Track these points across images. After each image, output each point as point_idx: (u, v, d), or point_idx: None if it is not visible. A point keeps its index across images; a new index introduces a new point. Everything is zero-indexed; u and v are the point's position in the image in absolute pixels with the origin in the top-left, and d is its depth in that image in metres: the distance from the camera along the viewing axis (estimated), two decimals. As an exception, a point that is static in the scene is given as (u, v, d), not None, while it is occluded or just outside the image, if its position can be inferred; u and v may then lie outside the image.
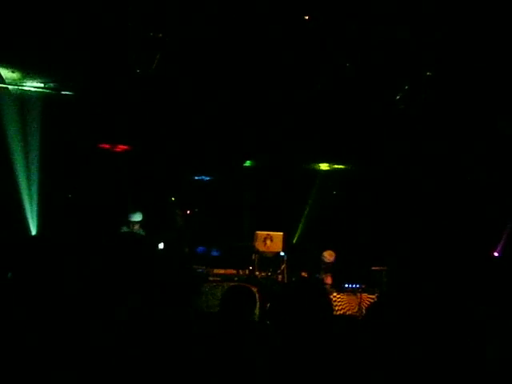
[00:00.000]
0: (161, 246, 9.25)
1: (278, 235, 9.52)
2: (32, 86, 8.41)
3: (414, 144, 10.03)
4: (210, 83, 8.08)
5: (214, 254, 10.77)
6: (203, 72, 7.74)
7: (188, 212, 11.84)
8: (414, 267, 9.15)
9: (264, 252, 9.42)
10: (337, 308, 8.57)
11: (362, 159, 11.07)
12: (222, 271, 9.01)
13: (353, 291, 9.01)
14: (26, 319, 1.92)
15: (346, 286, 9.07)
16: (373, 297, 8.82)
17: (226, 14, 6.25)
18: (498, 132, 9.05)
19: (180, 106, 9.06)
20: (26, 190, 9.33)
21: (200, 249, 10.62)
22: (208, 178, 12.16)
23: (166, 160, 10.96)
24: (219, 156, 10.92)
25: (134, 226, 9.02)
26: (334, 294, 8.73)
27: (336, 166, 12.28)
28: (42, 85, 8.40)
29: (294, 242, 11.95)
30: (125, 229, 9.03)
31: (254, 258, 9.35)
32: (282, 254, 9.41)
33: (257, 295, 4.22)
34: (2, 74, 7.92)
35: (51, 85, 8.45)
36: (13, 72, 7.86)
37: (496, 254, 10.20)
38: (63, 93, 8.68)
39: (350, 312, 8.74)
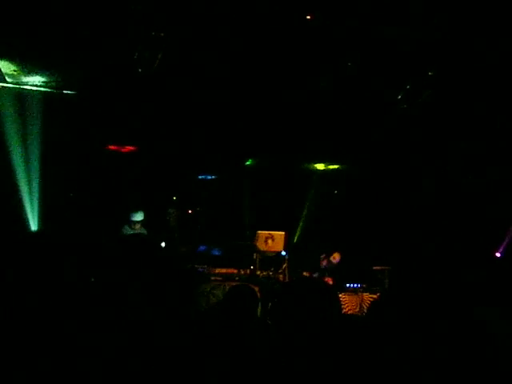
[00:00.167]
0: (162, 245, 9.26)
1: (280, 235, 9.52)
2: (33, 84, 8.41)
3: (413, 143, 10.04)
4: (211, 83, 8.09)
5: (215, 253, 10.77)
6: (204, 72, 7.75)
7: (190, 211, 11.85)
8: (415, 267, 9.15)
9: (265, 251, 9.42)
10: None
11: (361, 159, 11.07)
12: (223, 270, 9.01)
13: (354, 291, 9.02)
14: (25, 318, 1.92)
15: (348, 285, 9.08)
16: (374, 296, 8.83)
17: (227, 13, 6.25)
18: (499, 131, 9.05)
19: (180, 106, 9.07)
20: (26, 188, 9.34)
21: (201, 248, 10.62)
22: (211, 177, 12.16)
23: (167, 159, 10.96)
24: (220, 155, 10.93)
25: (135, 226, 9.02)
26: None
27: (331, 167, 12.30)
28: (42, 82, 8.39)
29: (295, 241, 11.95)
30: (126, 228, 9.04)
31: (255, 257, 9.35)
32: (283, 253, 9.41)
33: (258, 295, 4.22)
34: (2, 70, 7.91)
35: (53, 83, 8.45)
36: (14, 71, 7.85)
37: (498, 255, 10.18)
38: (65, 92, 8.69)
39: (351, 312, 8.74)
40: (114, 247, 2.13)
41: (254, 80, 8.07)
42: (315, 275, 9.14)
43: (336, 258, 9.39)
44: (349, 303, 8.84)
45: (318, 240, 11.01)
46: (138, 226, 9.05)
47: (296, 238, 12.06)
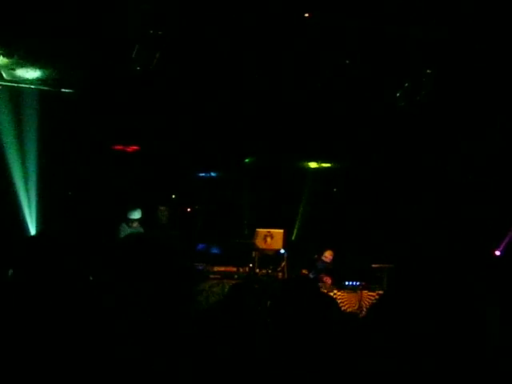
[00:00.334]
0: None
1: (279, 233, 9.52)
2: (28, 79, 8.38)
3: (413, 142, 10.04)
4: (209, 83, 8.10)
5: (214, 251, 10.77)
6: (202, 73, 7.77)
7: (188, 209, 11.86)
8: (415, 266, 9.15)
9: (264, 249, 9.41)
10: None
11: (359, 157, 11.08)
12: (222, 268, 9.01)
13: (353, 289, 9.02)
14: (27, 317, 1.92)
15: (347, 283, 9.09)
16: (373, 294, 8.84)
17: (227, 12, 6.24)
18: (499, 130, 9.05)
19: (180, 105, 9.07)
20: (23, 186, 9.32)
21: (200, 246, 10.63)
22: (214, 175, 12.16)
23: (165, 158, 10.96)
24: (219, 154, 10.93)
25: (133, 224, 9.04)
26: (335, 292, 8.74)
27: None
28: (38, 78, 8.35)
29: (293, 238, 11.95)
30: (124, 226, 9.05)
31: (254, 255, 9.34)
32: (282, 251, 9.41)
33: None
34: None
35: (49, 80, 8.43)
36: (9, 63, 7.81)
37: (498, 253, 10.18)
38: (63, 90, 8.68)
39: (350, 309, 8.75)
40: (114, 246, 2.13)
41: (253, 79, 8.07)
42: (311, 274, 9.15)
43: (328, 256, 9.38)
44: (348, 301, 8.85)
45: (316, 238, 11.01)
46: (135, 224, 9.07)
47: (294, 236, 12.06)
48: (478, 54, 6.98)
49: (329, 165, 12.39)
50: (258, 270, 9.15)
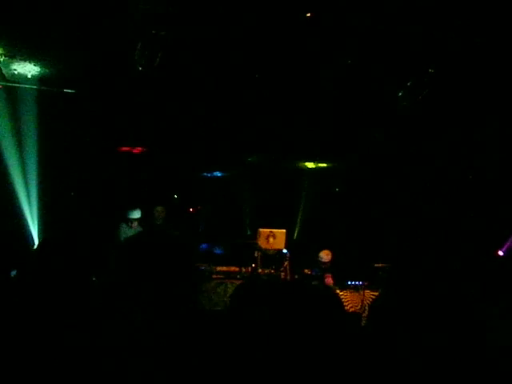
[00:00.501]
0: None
1: (281, 232, 9.51)
2: (32, 82, 8.38)
3: (415, 141, 10.04)
4: (210, 83, 8.11)
5: (217, 251, 10.78)
6: (202, 73, 7.78)
7: (191, 210, 11.86)
8: (416, 265, 9.14)
9: (267, 249, 9.41)
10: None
11: (363, 157, 11.08)
12: (224, 269, 9.01)
13: (356, 288, 9.00)
14: (29, 317, 1.93)
15: (349, 283, 9.07)
16: (376, 293, 8.82)
17: (228, 12, 6.24)
18: (499, 129, 9.04)
19: (180, 105, 9.07)
20: (24, 187, 9.33)
21: (203, 246, 10.63)
22: (216, 175, 12.17)
23: (168, 158, 10.97)
24: (221, 154, 10.94)
25: (133, 224, 9.08)
26: (337, 291, 8.73)
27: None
28: (40, 79, 8.35)
29: (295, 238, 11.95)
30: (124, 226, 9.08)
31: (256, 255, 9.34)
32: (284, 251, 9.41)
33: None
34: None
35: (52, 82, 8.44)
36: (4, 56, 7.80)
37: (501, 254, 10.15)
38: (65, 91, 8.68)
39: (353, 309, 8.74)
40: (119, 246, 2.14)
41: (253, 79, 8.07)
42: (314, 273, 9.14)
43: (323, 256, 9.32)
44: (350, 301, 8.84)
45: (318, 237, 11.01)
46: (135, 224, 9.11)
47: (295, 235, 12.06)
48: (479, 53, 6.97)
49: (330, 164, 12.39)
50: (260, 270, 9.15)
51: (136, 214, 9.08)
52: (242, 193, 11.89)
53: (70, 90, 8.66)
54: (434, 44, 6.84)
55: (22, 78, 8.23)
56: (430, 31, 6.53)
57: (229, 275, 8.81)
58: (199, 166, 11.76)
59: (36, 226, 9.41)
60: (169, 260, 2.07)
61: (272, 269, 9.21)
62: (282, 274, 9.22)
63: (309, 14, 6.36)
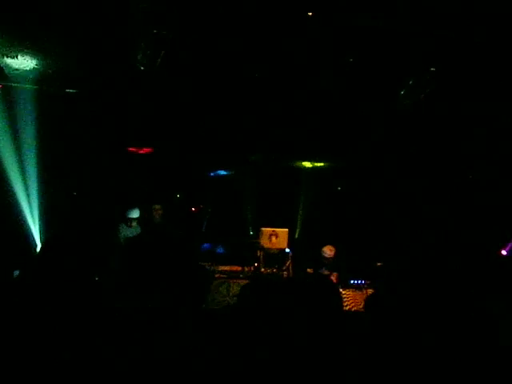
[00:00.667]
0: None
1: (284, 232, 9.53)
2: (33, 82, 8.38)
3: (416, 141, 10.03)
4: (210, 83, 8.12)
5: (219, 250, 10.78)
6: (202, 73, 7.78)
7: (193, 209, 11.87)
8: (417, 264, 9.15)
9: (269, 248, 9.43)
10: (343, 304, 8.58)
11: (364, 156, 11.07)
12: (227, 268, 9.02)
13: (358, 287, 9.00)
14: (31, 317, 1.93)
15: (352, 282, 9.07)
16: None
17: (229, 12, 6.24)
18: (500, 128, 9.03)
19: (179, 105, 9.08)
20: (24, 188, 9.33)
21: (205, 246, 10.64)
22: (219, 174, 12.17)
23: (171, 157, 10.98)
24: (222, 153, 10.95)
25: (131, 223, 9.10)
26: (340, 291, 8.74)
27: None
28: (41, 79, 8.35)
29: (296, 237, 11.96)
30: (123, 225, 9.10)
31: (259, 254, 9.36)
32: (287, 250, 9.42)
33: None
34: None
35: (53, 82, 8.45)
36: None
37: (504, 253, 10.13)
38: (67, 91, 8.69)
39: (355, 308, 8.74)
40: (125, 246, 2.14)
41: (254, 78, 8.08)
42: (320, 271, 9.13)
43: (326, 251, 9.26)
44: (353, 300, 8.84)
45: (319, 236, 11.00)
46: (134, 224, 9.13)
47: (297, 234, 12.06)
48: (480, 52, 6.96)
49: (332, 164, 12.39)
50: (263, 269, 9.16)
51: (134, 214, 9.11)
52: (244, 192, 11.89)
53: (70, 90, 8.67)
54: (436, 42, 6.83)
55: (22, 78, 8.24)
56: (431, 30, 6.52)
57: (231, 274, 8.83)
58: (201, 166, 11.77)
59: (37, 226, 9.42)
60: (170, 260, 2.08)
61: (274, 268, 9.22)
62: (285, 273, 9.23)
63: (310, 14, 6.35)
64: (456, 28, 6.44)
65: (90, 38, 6.83)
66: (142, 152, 11.12)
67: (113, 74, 7.92)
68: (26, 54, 7.45)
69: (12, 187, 9.23)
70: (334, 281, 9.13)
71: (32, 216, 9.39)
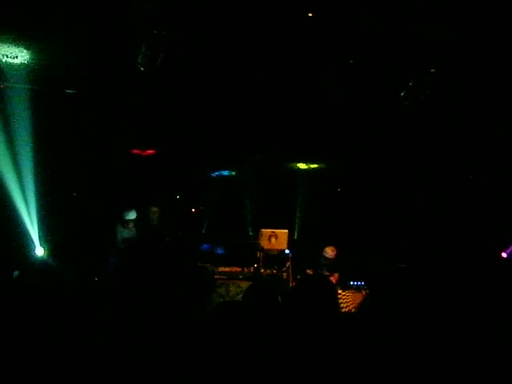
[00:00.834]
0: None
1: (283, 233, 9.53)
2: (33, 82, 8.37)
3: (417, 141, 10.03)
4: (210, 83, 8.12)
5: (219, 251, 10.78)
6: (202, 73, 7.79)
7: (193, 210, 11.87)
8: (418, 267, 9.15)
9: (269, 249, 9.43)
10: (342, 305, 8.58)
11: (365, 157, 11.07)
12: (227, 269, 9.02)
13: (358, 288, 9.00)
14: (32, 317, 1.92)
15: (351, 283, 9.07)
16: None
17: (230, 12, 6.24)
18: (500, 129, 9.03)
19: (180, 105, 9.07)
20: (21, 189, 9.31)
21: (205, 247, 10.64)
22: (219, 174, 12.17)
23: (171, 158, 10.98)
24: (222, 153, 10.95)
25: (128, 225, 9.10)
26: (340, 292, 8.73)
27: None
28: (42, 79, 8.34)
29: (295, 238, 11.95)
30: (120, 227, 9.10)
31: (258, 255, 9.35)
32: (286, 251, 9.42)
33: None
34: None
35: (53, 82, 8.44)
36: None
37: (504, 255, 10.10)
38: (66, 91, 8.69)
39: (354, 309, 8.74)
40: (125, 247, 2.14)
41: (254, 79, 8.07)
42: (320, 271, 9.13)
43: (328, 252, 9.23)
44: (352, 301, 8.83)
45: (319, 237, 10.99)
46: (131, 225, 9.14)
47: (296, 235, 12.06)
48: (480, 53, 6.96)
49: (332, 164, 12.38)
50: (262, 270, 9.16)
51: (131, 215, 9.12)
52: (243, 193, 11.89)
53: (70, 91, 8.66)
54: (436, 44, 6.83)
55: (22, 78, 8.23)
56: (432, 31, 6.52)
57: (231, 276, 8.82)
58: (201, 166, 11.76)
59: (36, 227, 9.41)
60: (169, 260, 2.07)
61: (274, 269, 9.22)
62: (285, 274, 9.22)
63: (310, 14, 6.35)
64: (456, 28, 6.44)
65: (90, 38, 6.83)
66: (145, 154, 11.12)
67: (113, 74, 7.91)
68: (26, 53, 7.45)
69: (12, 187, 9.21)
70: (334, 282, 9.12)
71: (31, 217, 9.38)
